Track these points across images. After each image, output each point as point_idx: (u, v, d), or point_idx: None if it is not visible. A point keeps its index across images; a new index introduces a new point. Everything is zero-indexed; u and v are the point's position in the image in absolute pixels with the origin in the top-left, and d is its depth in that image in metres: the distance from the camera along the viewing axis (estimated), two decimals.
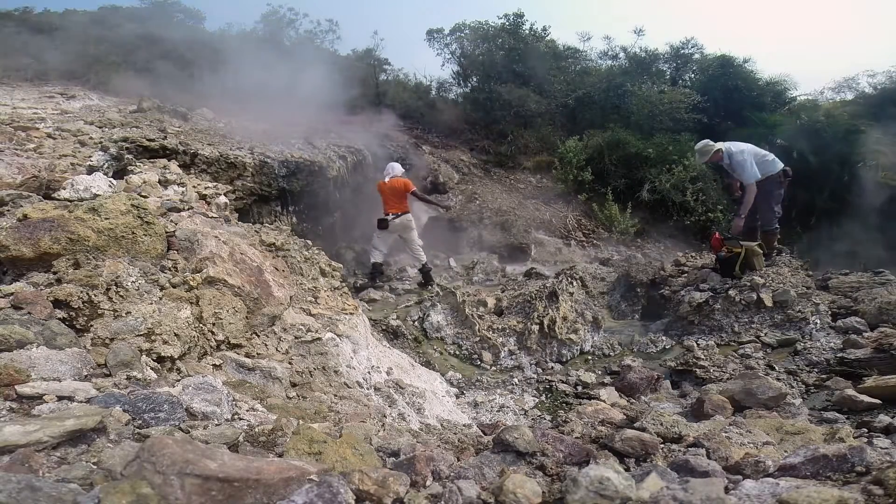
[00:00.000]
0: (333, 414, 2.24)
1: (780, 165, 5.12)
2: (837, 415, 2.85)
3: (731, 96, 11.94)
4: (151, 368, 1.95)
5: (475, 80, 13.30)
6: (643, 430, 1.92)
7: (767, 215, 5.21)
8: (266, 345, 2.83)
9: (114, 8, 12.83)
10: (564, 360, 4.70)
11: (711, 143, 5.31)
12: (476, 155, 10.92)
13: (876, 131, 10.07)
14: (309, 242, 4.23)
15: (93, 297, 2.06)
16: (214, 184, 4.85)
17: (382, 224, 6.13)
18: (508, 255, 8.11)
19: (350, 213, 7.44)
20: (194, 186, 4.28)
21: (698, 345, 4.37)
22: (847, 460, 1.30)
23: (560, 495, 1.15)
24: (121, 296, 2.19)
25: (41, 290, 2.02)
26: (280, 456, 1.35)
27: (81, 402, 1.40)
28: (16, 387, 1.37)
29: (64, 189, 2.89)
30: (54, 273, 2.15)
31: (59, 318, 1.90)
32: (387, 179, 6.24)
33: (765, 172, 5.08)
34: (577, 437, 1.87)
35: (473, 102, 12.62)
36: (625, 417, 2.57)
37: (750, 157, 5.05)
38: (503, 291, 5.59)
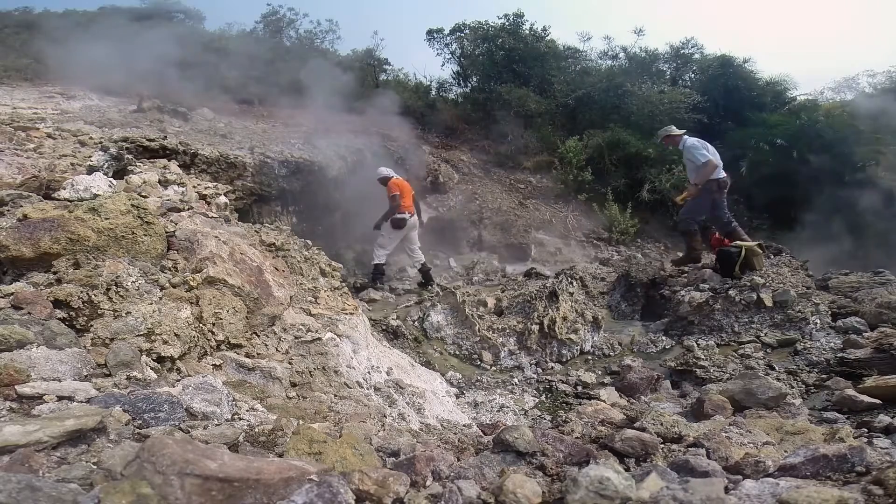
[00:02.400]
0: (333, 414, 2.24)
1: (722, 175, 5.60)
2: (837, 415, 2.85)
3: (731, 96, 11.93)
4: (151, 368, 1.95)
5: (475, 80, 13.30)
6: (643, 430, 1.92)
7: (713, 219, 5.71)
8: (266, 345, 2.83)
9: (114, 8, 12.86)
10: (564, 360, 4.69)
11: (675, 128, 5.98)
12: (476, 155, 10.91)
13: (876, 131, 10.06)
14: (309, 242, 4.22)
15: (93, 297, 2.06)
16: (214, 184, 4.85)
17: (401, 223, 5.96)
18: (508, 255, 8.10)
19: (350, 213, 7.43)
20: (194, 186, 4.27)
21: (698, 345, 4.37)
22: (847, 460, 1.30)
23: (560, 495, 1.15)
24: (121, 296, 2.18)
25: (41, 290, 2.02)
26: (280, 456, 1.35)
27: (81, 402, 1.40)
28: (16, 387, 1.37)
29: (64, 189, 2.88)
30: (54, 273, 2.15)
31: (59, 318, 1.90)
32: (394, 177, 6.21)
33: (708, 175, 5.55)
34: (577, 437, 1.87)
35: (473, 102, 12.61)
36: (625, 417, 2.57)
37: (702, 146, 5.57)
38: (503, 291, 5.58)
